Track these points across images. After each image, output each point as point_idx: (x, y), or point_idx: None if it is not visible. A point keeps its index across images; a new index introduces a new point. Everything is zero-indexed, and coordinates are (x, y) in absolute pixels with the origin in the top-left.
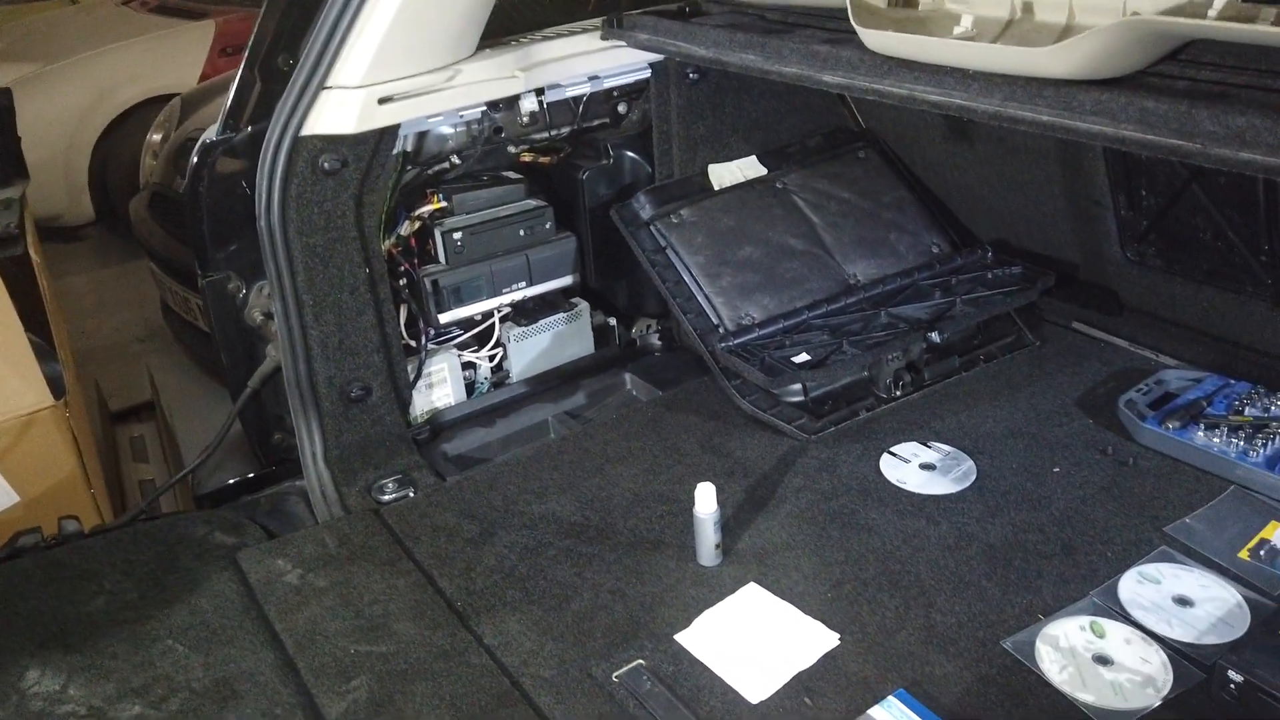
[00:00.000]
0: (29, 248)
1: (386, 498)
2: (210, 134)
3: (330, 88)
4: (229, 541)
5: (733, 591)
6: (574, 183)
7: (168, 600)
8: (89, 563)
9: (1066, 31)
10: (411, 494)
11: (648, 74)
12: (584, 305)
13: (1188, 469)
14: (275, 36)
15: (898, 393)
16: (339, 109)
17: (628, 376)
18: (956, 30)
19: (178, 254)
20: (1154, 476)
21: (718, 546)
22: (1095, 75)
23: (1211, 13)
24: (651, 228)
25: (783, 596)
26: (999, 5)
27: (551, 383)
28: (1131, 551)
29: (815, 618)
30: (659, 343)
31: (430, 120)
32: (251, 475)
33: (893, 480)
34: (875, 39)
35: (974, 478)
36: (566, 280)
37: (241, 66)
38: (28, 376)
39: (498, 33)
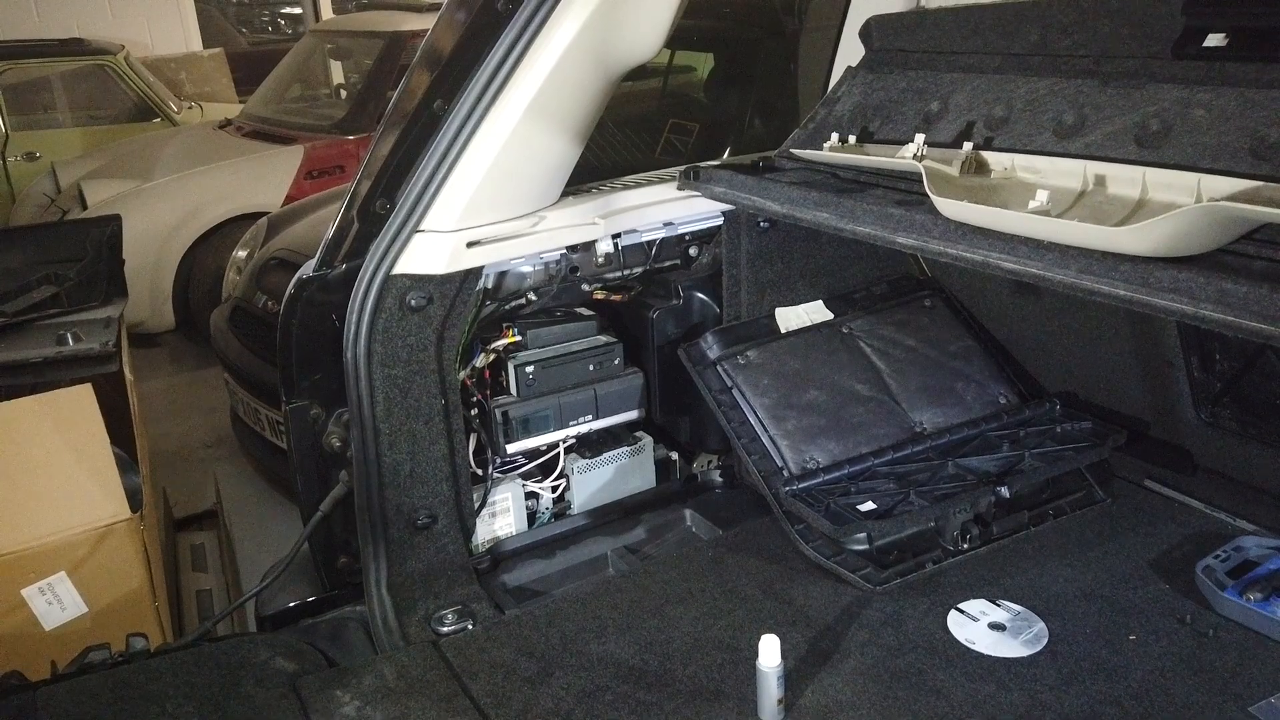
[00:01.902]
0: (123, 366)
1: (446, 629)
2: (307, 269)
3: (423, 231)
4: (289, 668)
5: None
6: (644, 321)
7: None
8: (153, 683)
9: (1139, 206)
10: (470, 626)
11: (720, 221)
12: (647, 440)
13: (1272, 644)
14: (375, 183)
15: (965, 545)
16: (430, 251)
17: (688, 513)
18: (1032, 205)
19: (253, 366)
20: (1236, 651)
21: (780, 702)
22: (1172, 254)
23: None
24: (719, 368)
25: None
26: (1071, 176)
27: (612, 515)
28: None
29: None
30: (720, 479)
31: (512, 261)
32: (313, 599)
33: (961, 639)
34: (951, 208)
35: (1045, 641)
36: (632, 415)
37: (341, 210)
38: (109, 489)
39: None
